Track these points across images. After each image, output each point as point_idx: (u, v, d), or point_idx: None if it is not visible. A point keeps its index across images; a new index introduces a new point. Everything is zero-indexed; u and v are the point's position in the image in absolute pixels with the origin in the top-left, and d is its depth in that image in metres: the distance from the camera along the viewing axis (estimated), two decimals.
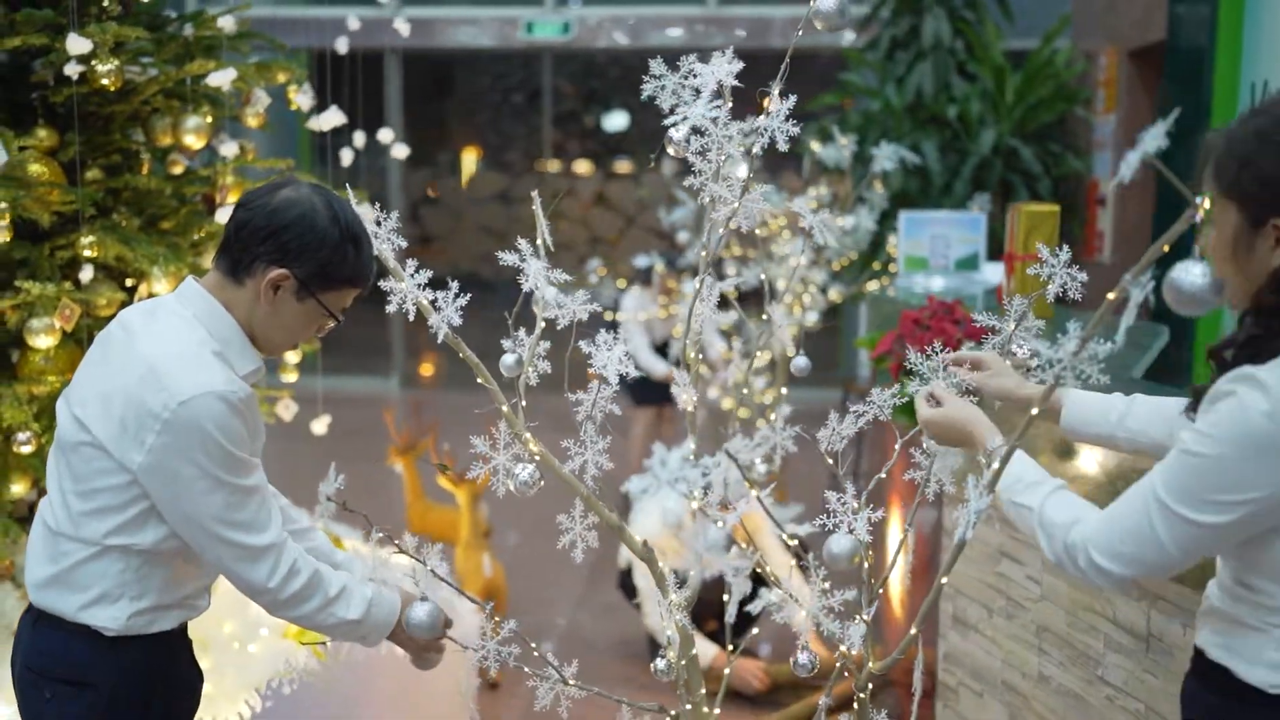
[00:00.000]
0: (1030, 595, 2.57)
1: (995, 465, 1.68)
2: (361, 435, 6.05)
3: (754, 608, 2.29)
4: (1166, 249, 1.45)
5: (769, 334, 2.68)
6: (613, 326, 5.50)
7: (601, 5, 10.58)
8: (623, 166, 11.73)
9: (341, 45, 4.69)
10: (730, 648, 2.56)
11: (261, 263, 1.99)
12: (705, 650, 4.22)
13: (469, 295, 2.17)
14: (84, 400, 2.00)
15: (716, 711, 2.40)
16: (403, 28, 4.38)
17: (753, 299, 5.83)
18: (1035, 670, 2.56)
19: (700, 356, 2.74)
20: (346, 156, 4.36)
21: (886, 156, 5.10)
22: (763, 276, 2.76)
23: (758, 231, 5.82)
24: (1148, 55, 7.00)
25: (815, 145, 5.56)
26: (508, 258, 2.17)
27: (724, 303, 5.51)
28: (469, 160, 11.97)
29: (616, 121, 11.74)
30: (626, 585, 4.65)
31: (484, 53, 11.07)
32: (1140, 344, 3.35)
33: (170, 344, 1.97)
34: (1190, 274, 1.37)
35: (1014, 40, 8.64)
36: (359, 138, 4.43)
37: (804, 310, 5.05)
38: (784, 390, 4.85)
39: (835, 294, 5.56)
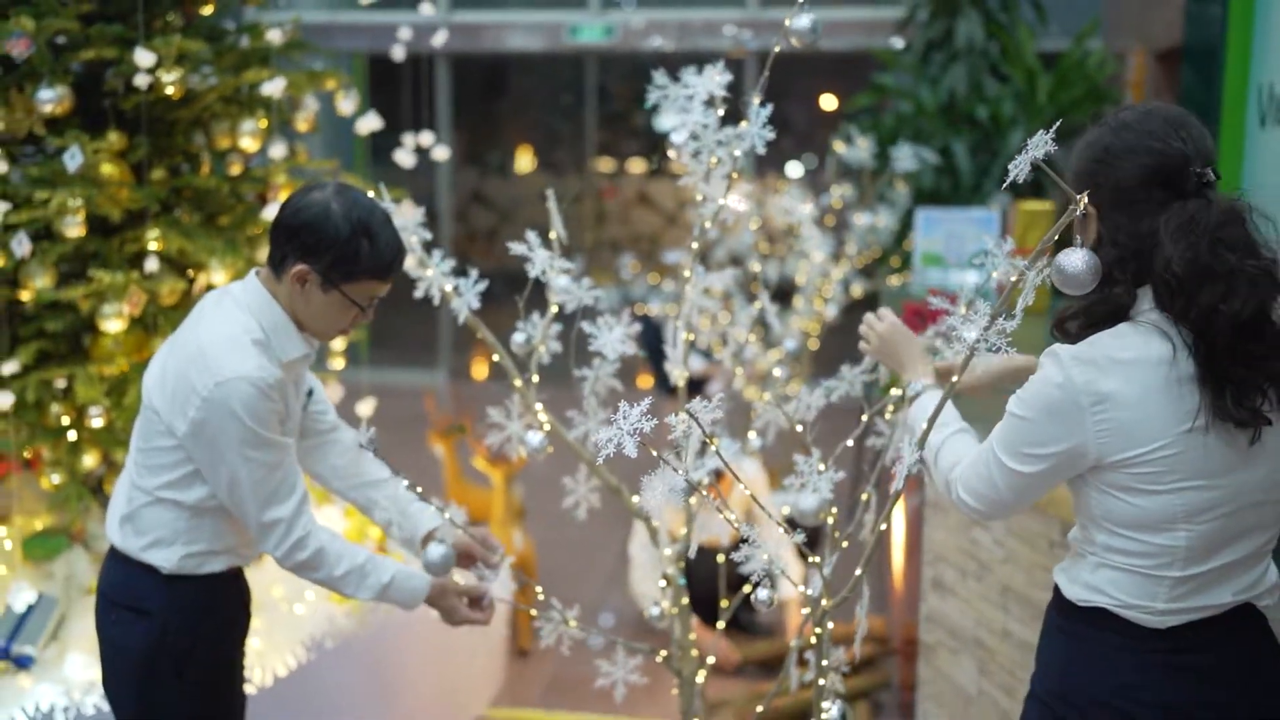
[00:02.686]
0: (996, 557, 2.80)
1: (911, 399, 2.07)
2: (408, 425, 6.35)
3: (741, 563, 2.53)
4: (1057, 239, 1.70)
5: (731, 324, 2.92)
6: (643, 320, 5.77)
7: (643, 9, 10.86)
8: (667, 166, 11.96)
9: (398, 53, 4.97)
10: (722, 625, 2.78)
11: (290, 259, 2.22)
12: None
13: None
14: (153, 371, 2.32)
15: (711, 660, 2.66)
16: (439, 38, 4.65)
17: (778, 293, 6.05)
18: (1000, 627, 2.80)
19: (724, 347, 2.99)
20: (399, 156, 4.64)
21: (905, 157, 5.32)
22: (754, 269, 3.00)
23: (795, 227, 6.07)
24: (1172, 57, 7.14)
25: (839, 147, 5.79)
26: (517, 248, 2.44)
27: (752, 297, 5.76)
28: (518, 159, 12.28)
29: (666, 122, 11.94)
30: None
31: (531, 56, 11.38)
32: None
33: (220, 329, 2.23)
34: (1072, 258, 1.62)
35: (1048, 42, 8.77)
36: (409, 139, 4.70)
37: (825, 303, 5.29)
38: (775, 372, 5.07)
39: (857, 289, 5.79)
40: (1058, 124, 1.65)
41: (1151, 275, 1.75)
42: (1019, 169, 1.63)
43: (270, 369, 2.21)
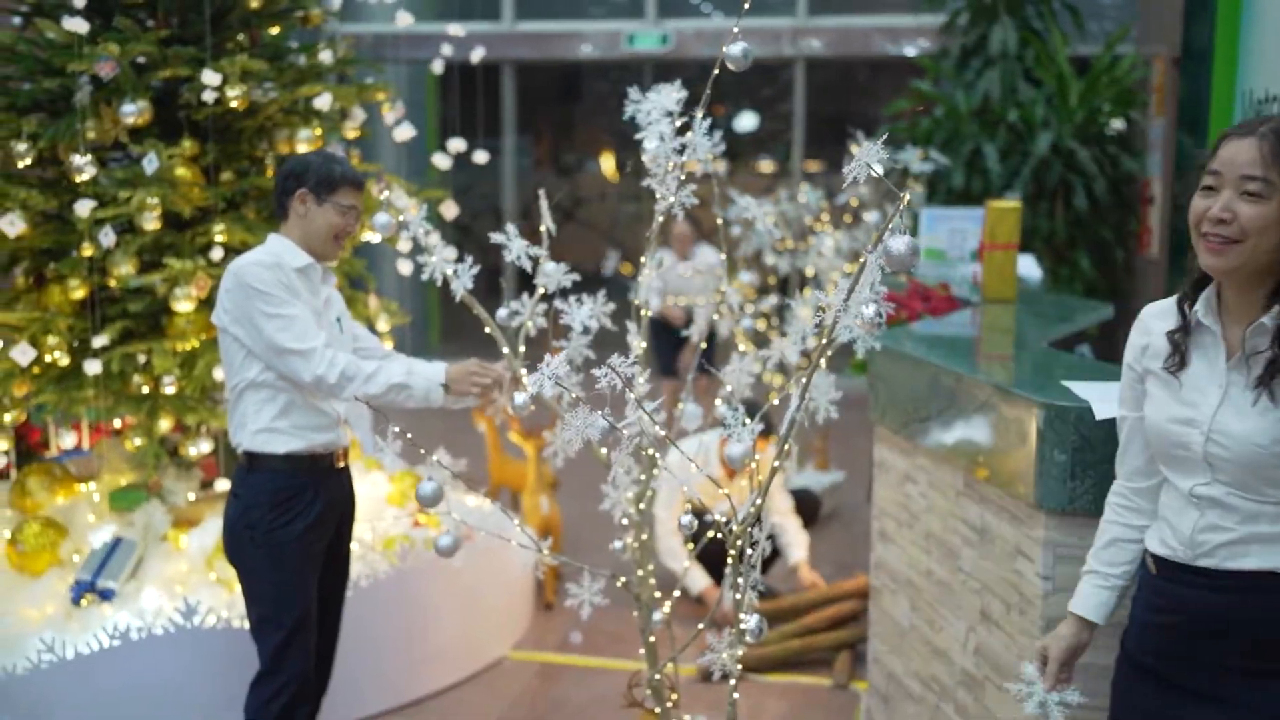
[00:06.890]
0: (921, 507, 3.21)
1: None
2: (466, 411, 6.85)
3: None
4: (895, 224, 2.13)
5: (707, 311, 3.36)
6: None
7: (698, 18, 11.32)
8: (719, 166, 12.39)
9: (437, 66, 5.47)
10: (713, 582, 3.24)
11: (288, 195, 3.10)
12: (699, 580, 4.93)
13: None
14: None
15: (675, 593, 3.11)
16: (449, 51, 5.11)
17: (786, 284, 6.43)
18: (924, 567, 3.20)
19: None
20: (437, 160, 5.15)
21: (914, 161, 5.71)
22: (724, 258, 3.43)
23: (814, 225, 6.47)
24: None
25: (854, 150, 6.19)
26: (498, 238, 2.91)
27: (765, 289, 6.18)
28: (581, 162, 12.82)
29: (745, 123, 12.36)
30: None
31: (591, 63, 11.89)
32: (1069, 318, 3.96)
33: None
34: (898, 243, 2.04)
35: (1082, 47, 9.05)
36: (450, 144, 5.19)
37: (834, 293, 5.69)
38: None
39: None
40: (884, 137, 2.08)
41: None
42: (854, 172, 2.06)
43: (272, 257, 3.03)
